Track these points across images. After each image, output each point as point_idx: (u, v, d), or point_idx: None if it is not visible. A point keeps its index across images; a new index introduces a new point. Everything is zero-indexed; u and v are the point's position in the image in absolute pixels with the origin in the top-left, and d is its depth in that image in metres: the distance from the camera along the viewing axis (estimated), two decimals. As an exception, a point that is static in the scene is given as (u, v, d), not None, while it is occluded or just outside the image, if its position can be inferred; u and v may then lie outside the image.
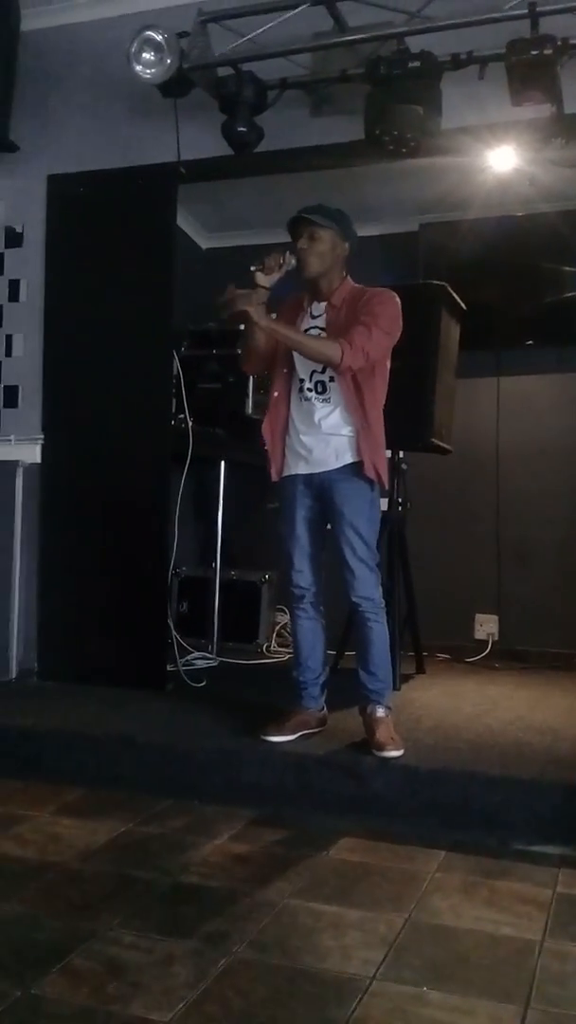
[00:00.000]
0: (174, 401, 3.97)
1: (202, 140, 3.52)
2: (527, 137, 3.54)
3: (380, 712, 3.00)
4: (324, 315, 3.00)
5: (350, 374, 2.90)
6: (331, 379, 2.96)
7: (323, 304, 3.01)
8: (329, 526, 3.07)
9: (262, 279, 2.87)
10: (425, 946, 2.00)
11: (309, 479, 3.01)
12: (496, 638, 4.83)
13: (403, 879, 2.36)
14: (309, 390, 2.99)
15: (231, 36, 3.35)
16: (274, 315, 2.97)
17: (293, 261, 2.90)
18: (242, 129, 3.31)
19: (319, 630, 3.14)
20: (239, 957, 1.93)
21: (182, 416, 3.98)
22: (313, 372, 2.99)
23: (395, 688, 3.87)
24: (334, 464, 2.97)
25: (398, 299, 2.97)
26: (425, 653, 4.39)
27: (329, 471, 2.97)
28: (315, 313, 3.02)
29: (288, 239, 2.98)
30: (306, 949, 1.98)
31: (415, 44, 3.17)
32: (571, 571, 4.73)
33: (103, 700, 3.55)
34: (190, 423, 3.95)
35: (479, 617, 4.87)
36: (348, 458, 2.95)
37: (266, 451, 3.09)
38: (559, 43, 2.97)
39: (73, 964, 1.88)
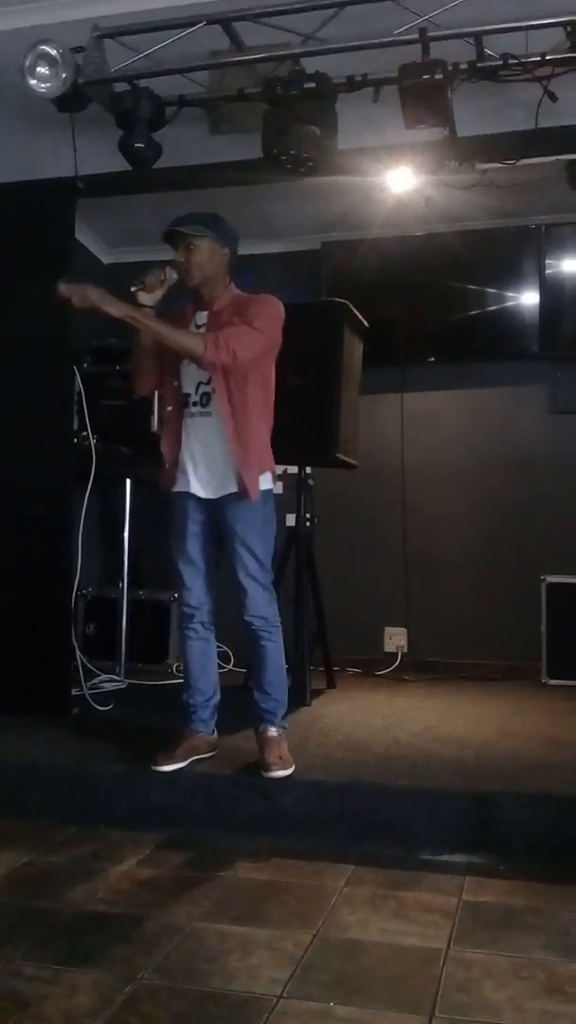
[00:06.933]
0: (76, 418, 3.90)
1: (100, 155, 3.49)
2: (423, 159, 3.63)
3: (272, 731, 2.98)
4: (206, 324, 2.95)
5: (224, 381, 2.87)
6: (215, 390, 2.92)
7: (205, 313, 2.97)
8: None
9: (144, 298, 2.83)
10: (332, 961, 1.99)
11: (200, 498, 2.99)
12: (405, 651, 4.89)
13: (311, 895, 2.35)
14: (195, 404, 2.96)
15: (127, 52, 3.34)
16: None
17: (174, 276, 2.87)
18: (139, 145, 3.29)
19: (210, 650, 3.10)
20: (144, 983, 1.89)
21: (85, 434, 3.92)
22: (199, 384, 2.95)
23: (306, 703, 3.89)
24: (219, 492, 2.94)
25: (280, 305, 2.95)
26: (336, 668, 4.41)
27: (218, 497, 2.96)
28: (198, 323, 2.97)
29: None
30: (213, 971, 1.95)
31: (310, 65, 3.22)
32: (477, 582, 4.83)
33: (4, 727, 3.44)
34: (93, 441, 3.89)
35: (388, 630, 4.92)
36: (232, 486, 2.91)
37: (163, 465, 3.05)
38: (449, 68, 3.05)
39: (-29, 1001, 1.82)
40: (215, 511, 2.98)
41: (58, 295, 2.71)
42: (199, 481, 2.97)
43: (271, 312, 2.92)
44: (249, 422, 2.91)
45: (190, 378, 2.97)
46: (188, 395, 2.98)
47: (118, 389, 4.39)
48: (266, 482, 2.97)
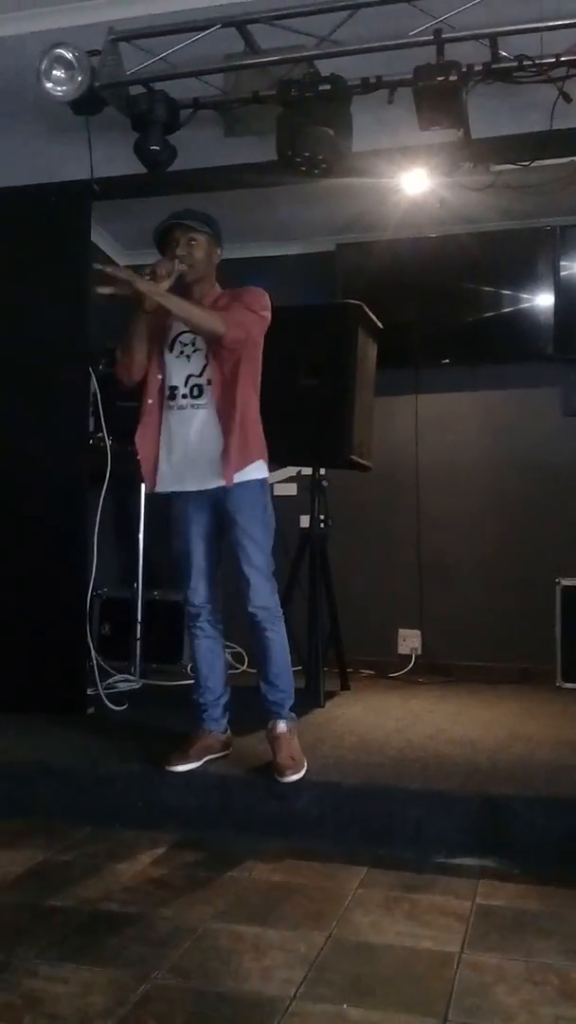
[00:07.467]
0: (92, 420, 3.92)
1: (115, 158, 3.51)
2: (437, 160, 3.63)
3: (282, 726, 2.97)
4: None
5: (219, 370, 2.90)
6: (208, 382, 2.94)
7: None
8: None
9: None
10: (345, 963, 1.99)
11: (199, 493, 2.98)
12: (419, 653, 4.87)
13: (325, 897, 2.35)
14: (184, 396, 2.97)
15: (143, 55, 3.35)
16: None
17: (181, 267, 2.90)
18: (155, 148, 3.30)
19: (218, 648, 3.11)
20: (158, 983, 1.90)
21: (100, 435, 3.93)
22: (189, 376, 2.96)
23: (320, 705, 3.89)
24: (215, 483, 2.92)
25: (267, 294, 3.02)
26: (349, 670, 4.41)
27: (214, 488, 2.94)
28: None
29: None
30: (226, 972, 1.95)
31: (325, 67, 3.22)
32: (491, 585, 4.81)
33: (20, 726, 3.46)
34: (108, 442, 3.91)
35: (402, 632, 4.92)
36: (230, 476, 2.91)
37: (139, 461, 3.03)
38: (464, 69, 3.05)
39: (-15, 1000, 1.83)
40: (214, 504, 2.98)
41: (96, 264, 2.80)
42: (191, 475, 2.96)
43: (265, 300, 3.00)
44: (247, 410, 2.94)
45: (177, 371, 2.98)
46: (175, 388, 2.98)
47: (133, 391, 4.41)
48: (263, 470, 2.99)
